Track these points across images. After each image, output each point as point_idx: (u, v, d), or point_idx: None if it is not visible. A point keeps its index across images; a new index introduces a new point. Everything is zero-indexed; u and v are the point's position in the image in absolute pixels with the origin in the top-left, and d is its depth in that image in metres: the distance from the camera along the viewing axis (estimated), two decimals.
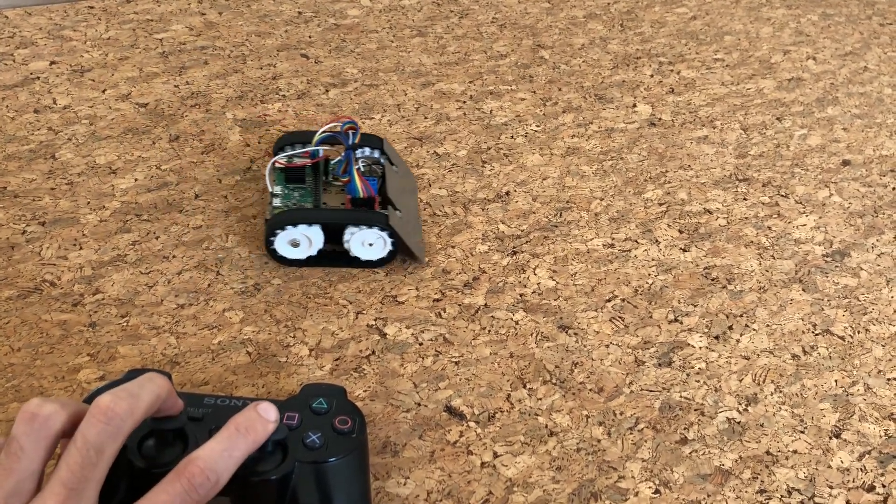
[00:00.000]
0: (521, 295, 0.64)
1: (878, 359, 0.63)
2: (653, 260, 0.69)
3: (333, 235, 0.62)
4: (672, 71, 0.93)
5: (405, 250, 0.64)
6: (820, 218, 0.76)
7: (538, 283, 0.66)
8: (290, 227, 0.61)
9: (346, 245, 0.62)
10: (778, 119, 0.88)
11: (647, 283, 0.67)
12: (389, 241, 0.63)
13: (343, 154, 0.66)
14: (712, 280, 0.68)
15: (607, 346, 0.62)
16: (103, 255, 0.61)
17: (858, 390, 0.61)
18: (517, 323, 0.62)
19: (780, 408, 0.59)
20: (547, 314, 0.63)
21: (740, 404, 0.59)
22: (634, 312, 0.64)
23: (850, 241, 0.74)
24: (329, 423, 0.45)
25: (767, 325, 0.65)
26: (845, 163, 0.84)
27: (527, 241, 0.69)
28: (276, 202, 0.64)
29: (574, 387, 0.58)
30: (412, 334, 0.60)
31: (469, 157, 0.77)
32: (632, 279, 0.67)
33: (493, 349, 0.60)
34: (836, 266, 0.71)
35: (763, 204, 0.77)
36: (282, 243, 0.62)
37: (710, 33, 1.02)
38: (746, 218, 0.75)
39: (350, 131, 0.66)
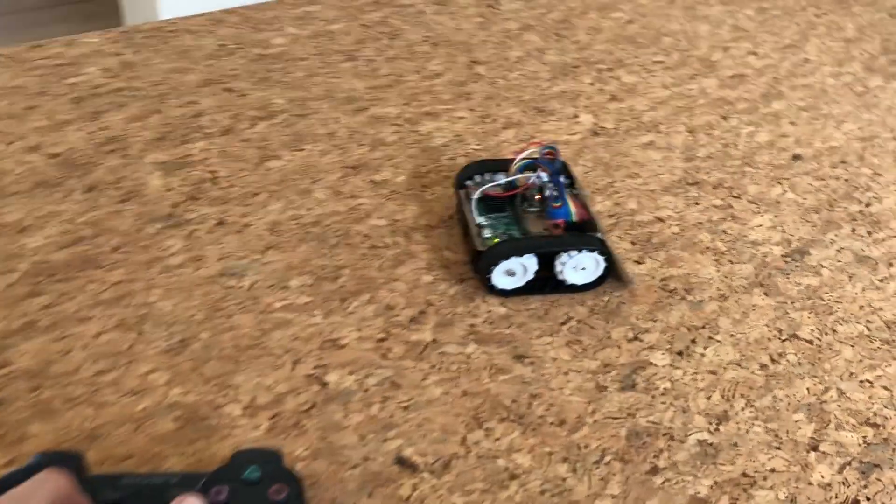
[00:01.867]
0: (471, 326, 0.61)
1: (849, 361, 0.60)
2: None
3: (546, 262, 0.62)
4: (612, 77, 0.91)
5: (614, 273, 0.64)
6: (775, 217, 0.74)
7: (489, 312, 0.62)
8: (511, 258, 0.61)
9: (558, 270, 0.62)
10: (724, 118, 0.86)
11: (602, 300, 0.64)
12: (603, 264, 0.62)
13: (548, 178, 0.65)
14: (670, 292, 0.65)
15: (566, 373, 0.58)
16: (11, 323, 0.56)
17: (832, 396, 0.58)
18: (469, 357, 0.58)
19: (752, 424, 0.55)
20: (500, 344, 0.59)
21: (711, 424, 0.55)
22: (592, 334, 0.61)
23: (809, 238, 0.71)
24: (262, 494, 0.41)
25: (731, 336, 0.62)
26: (796, 157, 0.81)
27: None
28: (487, 233, 0.63)
29: (534, 421, 0.54)
30: (356, 381, 0.56)
31: (409, 183, 0.73)
32: (587, 298, 0.64)
33: (444, 388, 0.56)
34: (797, 266, 0.68)
35: (716, 207, 0.74)
36: (499, 274, 0.62)
37: (648, 36, 0.99)
38: (700, 223, 0.72)
39: (549, 156, 0.66)
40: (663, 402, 0.56)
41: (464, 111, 0.83)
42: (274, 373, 0.55)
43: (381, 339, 0.59)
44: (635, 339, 0.61)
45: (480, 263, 0.62)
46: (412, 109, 0.82)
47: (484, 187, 0.66)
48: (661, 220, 0.72)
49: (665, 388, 0.57)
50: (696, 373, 0.59)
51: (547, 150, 0.65)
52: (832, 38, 1.03)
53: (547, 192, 0.64)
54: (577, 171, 0.76)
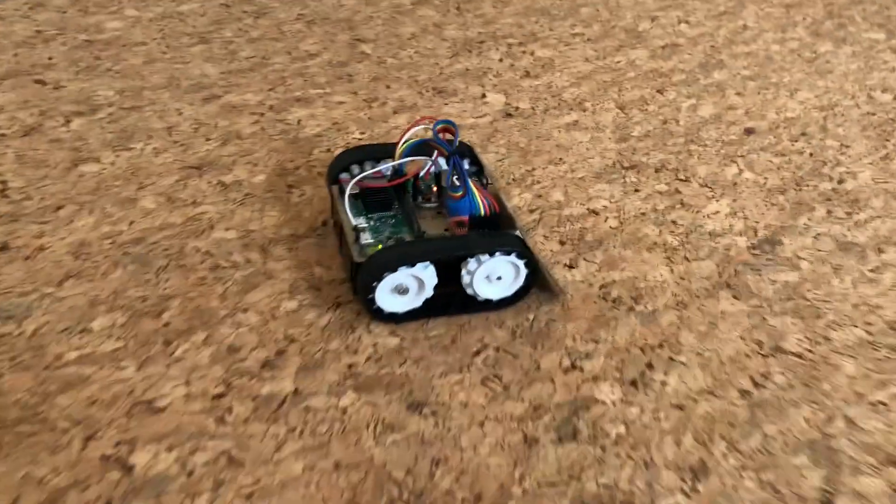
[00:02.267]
0: (349, 367, 0.44)
1: (852, 377, 0.46)
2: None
3: (449, 272, 0.46)
4: (524, 52, 0.76)
5: (540, 281, 0.49)
6: (734, 201, 0.59)
7: (374, 345, 0.45)
8: (400, 269, 0.45)
9: (465, 282, 0.47)
10: (659, 91, 0.72)
11: (526, 319, 0.48)
12: (524, 270, 0.47)
13: (445, 163, 0.49)
14: (614, 302, 0.49)
15: (481, 423, 0.42)
16: None
17: (839, 428, 0.43)
18: (345, 412, 0.41)
19: (741, 475, 0.40)
20: (390, 389, 0.43)
21: (686, 481, 0.39)
22: (515, 365, 0.45)
23: (777, 224, 0.57)
24: None
25: (698, 354, 0.46)
26: (748, 131, 0.67)
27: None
28: (366, 238, 0.47)
29: (438, 500, 0.38)
30: (177, 460, 0.38)
31: (269, 183, 0.56)
32: (505, 317, 0.48)
33: (308, 461, 0.39)
34: (769, 259, 0.54)
35: (661, 193, 0.59)
36: (385, 293, 0.46)
37: (564, 7, 0.85)
38: (643, 214, 0.57)
39: (447, 134, 0.49)
40: (617, 456, 0.41)
41: (344, 95, 0.66)
42: (52, 457, 0.38)
43: (219, 396, 0.42)
44: (573, 367, 0.45)
45: (359, 279, 0.45)
46: (277, 96, 0.66)
47: (360, 176, 0.49)
48: (594, 212, 0.57)
49: (618, 435, 0.41)
50: (656, 409, 0.43)
51: (441, 124, 0.49)
52: (770, 3, 0.90)
53: (445, 182, 0.48)
54: (487, 159, 0.60)
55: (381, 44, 0.74)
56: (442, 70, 0.72)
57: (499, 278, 0.47)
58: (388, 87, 0.68)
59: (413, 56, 0.73)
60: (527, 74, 0.72)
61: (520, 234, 0.48)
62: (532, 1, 0.85)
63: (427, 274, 0.45)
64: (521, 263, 0.46)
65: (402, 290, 0.45)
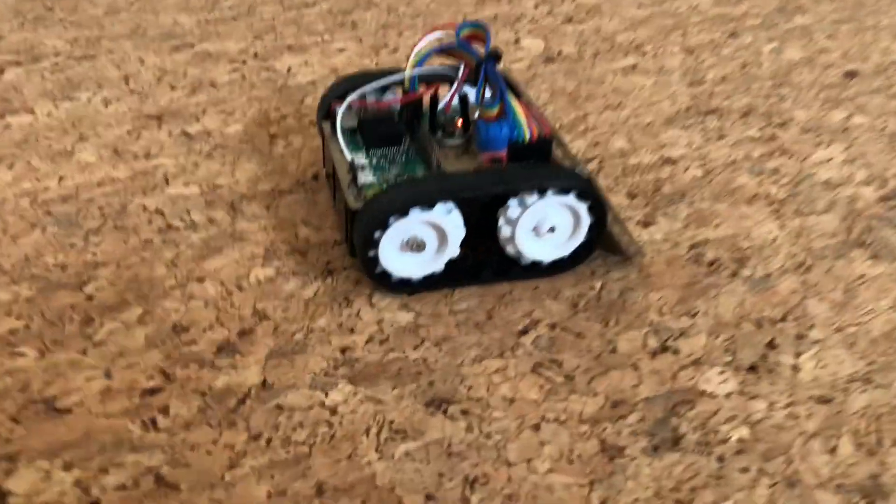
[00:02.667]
0: (343, 351, 0.31)
1: None
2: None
3: (480, 223, 0.33)
4: (564, 0, 0.63)
5: (607, 238, 0.35)
6: (848, 148, 0.45)
7: (380, 321, 0.32)
8: (413, 213, 0.31)
9: (504, 236, 0.33)
10: (732, 35, 0.58)
11: (590, 288, 0.34)
12: (588, 219, 0.34)
13: (475, 77, 0.35)
14: (710, 266, 0.36)
15: (536, 426, 0.28)
16: None
17: None
18: (335, 411, 0.28)
19: None
20: (401, 380, 0.29)
21: None
22: (578, 347, 0.31)
23: None
24: None
25: (838, 329, 0.33)
26: (850, 74, 0.54)
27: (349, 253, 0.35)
28: (366, 177, 0.34)
29: None
30: (77, 482, 0.25)
31: (247, 133, 0.44)
32: (562, 286, 0.34)
33: (276, 483, 0.26)
34: None
35: (753, 140, 0.46)
36: (391, 249, 0.32)
37: None
38: (733, 162, 0.43)
39: (475, 39, 0.36)
40: (743, 470, 0.27)
41: (346, 42, 0.54)
42: None
43: (151, 391, 0.28)
44: (664, 349, 0.31)
45: (357, 230, 0.32)
46: (264, 43, 0.53)
47: (358, 92, 0.36)
48: (670, 161, 0.43)
49: (741, 441, 0.28)
50: (792, 404, 0.29)
51: (469, 28, 0.36)
52: None
53: (474, 101, 0.35)
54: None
55: None
56: (466, 16, 0.59)
57: (551, 230, 0.33)
58: (399, 34, 0.56)
59: (430, 5, 0.61)
60: (569, 20, 0.59)
61: (583, 170, 0.35)
62: None
63: (450, 222, 0.32)
64: (583, 208, 0.33)
65: (415, 246, 0.32)
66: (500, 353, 0.31)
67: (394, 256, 0.32)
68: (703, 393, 0.30)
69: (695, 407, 0.29)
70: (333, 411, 0.28)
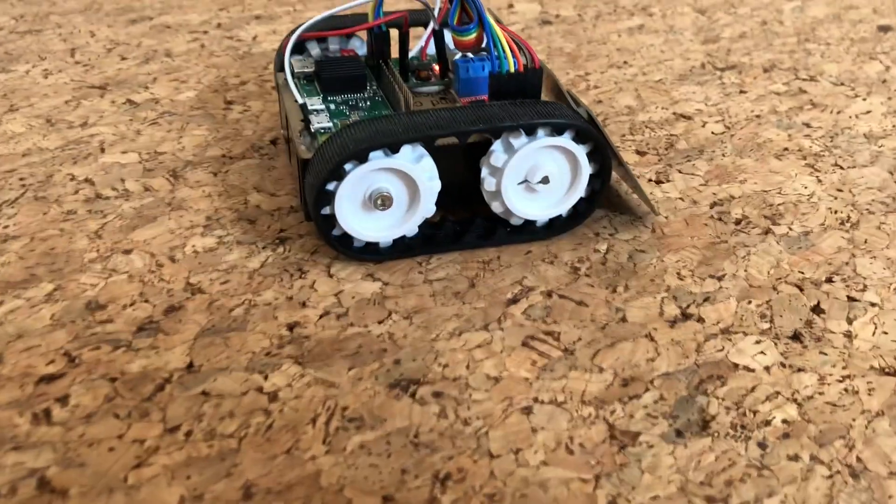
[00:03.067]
0: (291, 327, 0.25)
1: None
2: (599, 208, 0.30)
3: (459, 175, 0.28)
4: None
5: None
6: (890, 99, 0.40)
7: (338, 293, 0.26)
8: (374, 158, 0.26)
9: (487, 189, 0.28)
10: None
11: (594, 251, 0.28)
12: (589, 165, 0.28)
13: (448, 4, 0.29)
14: (737, 224, 0.30)
15: (527, 409, 0.22)
16: None
17: None
18: (275, 397, 0.22)
19: None
20: (359, 359, 0.24)
21: None
22: (580, 316, 0.25)
23: None
24: None
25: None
26: (884, 29, 0.48)
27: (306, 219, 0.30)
28: (321, 121, 0.29)
29: None
30: None
31: (200, 99, 0.38)
32: (559, 249, 0.28)
33: (192, 485, 0.20)
34: None
35: (778, 94, 0.40)
36: (351, 205, 0.27)
37: None
38: (758, 116, 0.38)
39: None
40: (793, 458, 0.21)
41: (319, 9, 0.49)
42: None
43: (50, 378, 0.23)
44: (685, 316, 0.26)
45: (307, 183, 0.27)
46: (230, 14, 0.49)
47: (308, 23, 0.31)
48: (685, 117, 0.38)
49: (788, 423, 0.22)
50: (848, 377, 0.23)
51: None
52: None
53: (449, 23, 0.30)
54: None
55: None
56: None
57: (544, 181, 0.28)
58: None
59: None
60: None
61: (584, 108, 0.29)
62: None
63: (421, 170, 0.26)
64: (582, 153, 0.27)
65: (380, 201, 0.26)
66: (485, 325, 0.25)
67: (354, 215, 0.27)
68: (736, 366, 0.24)
69: (726, 383, 0.23)
70: (273, 397, 0.23)
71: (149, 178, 0.32)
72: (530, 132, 0.27)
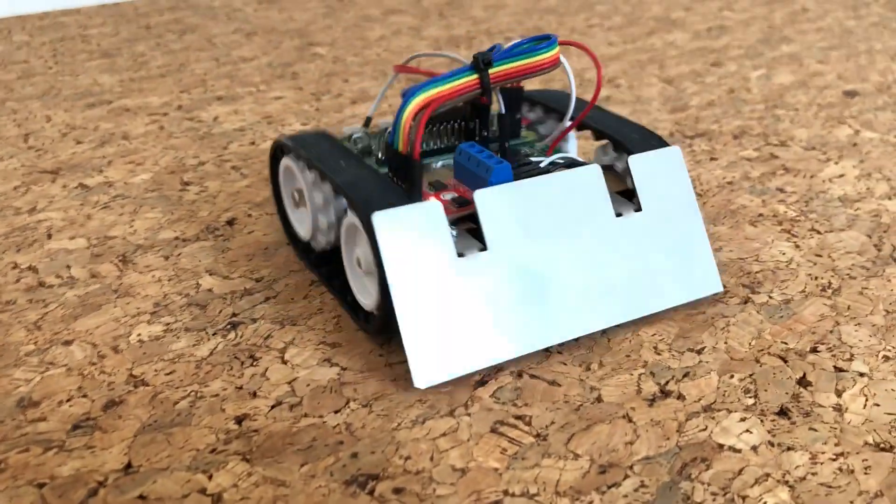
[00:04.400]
0: (239, 420, 0.23)
1: None
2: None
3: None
4: None
5: None
6: (862, 162, 0.39)
7: (292, 381, 0.24)
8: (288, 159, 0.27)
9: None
10: (714, 65, 0.53)
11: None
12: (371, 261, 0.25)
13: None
14: (715, 295, 0.29)
15: (497, 503, 0.20)
16: None
17: None
18: (220, 499, 0.20)
19: None
20: (314, 454, 0.22)
21: None
22: (552, 397, 0.24)
23: None
24: None
25: (885, 358, 0.25)
26: (850, 94, 0.48)
27: (261, 302, 0.28)
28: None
29: None
30: None
31: (156, 181, 0.37)
32: None
33: None
34: None
35: (750, 160, 0.39)
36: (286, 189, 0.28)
37: (572, 6, 0.68)
38: (730, 182, 0.37)
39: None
40: None
41: (285, 90, 0.48)
42: None
43: None
44: (664, 394, 0.24)
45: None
46: (191, 96, 0.48)
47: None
48: None
49: None
50: (842, 454, 0.22)
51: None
52: None
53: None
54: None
55: (339, 46, 0.57)
56: (419, 63, 0.54)
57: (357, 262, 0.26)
58: (345, 80, 0.50)
59: (382, 53, 0.55)
60: None
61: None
62: (533, 3, 0.69)
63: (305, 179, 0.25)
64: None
65: (295, 197, 0.25)
66: (450, 410, 0.23)
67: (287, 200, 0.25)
68: (721, 447, 0.22)
69: (711, 465, 0.21)
70: (217, 499, 0.20)
71: (96, 264, 0.31)
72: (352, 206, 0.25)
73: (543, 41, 0.28)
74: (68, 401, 0.24)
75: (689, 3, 0.69)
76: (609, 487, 0.21)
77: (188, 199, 0.35)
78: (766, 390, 0.24)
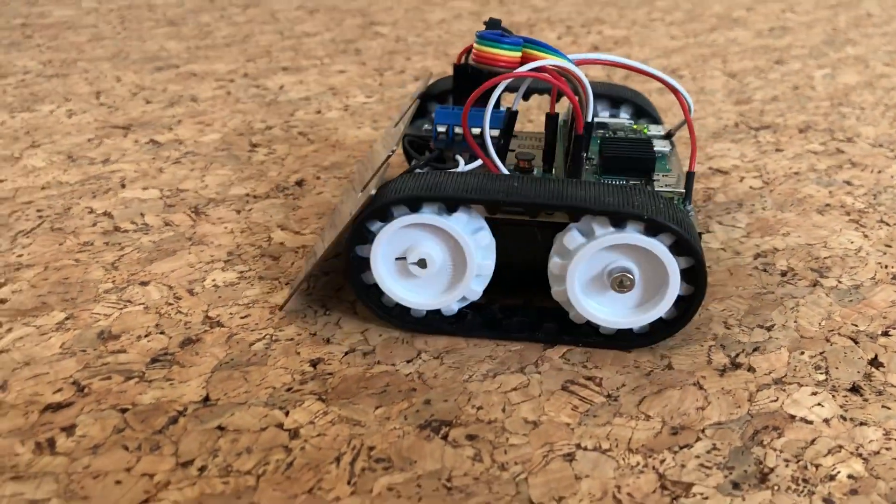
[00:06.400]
0: (314, 364, 0.23)
1: None
2: None
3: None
4: (590, 32, 0.58)
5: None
6: None
7: (364, 331, 0.25)
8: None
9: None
10: (777, 63, 0.53)
11: None
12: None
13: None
14: (783, 275, 0.29)
15: (569, 455, 0.20)
16: None
17: None
18: (297, 434, 0.21)
19: None
20: (387, 398, 0.22)
21: None
22: (622, 362, 0.24)
23: None
24: None
25: None
26: None
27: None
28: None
29: None
30: None
31: (225, 141, 0.38)
32: None
33: None
34: None
35: (815, 153, 0.39)
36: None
37: (633, 0, 0.68)
38: (797, 173, 0.37)
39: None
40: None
41: (348, 65, 0.49)
42: None
43: (56, 407, 0.21)
44: (735, 365, 0.24)
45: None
46: (257, 65, 0.48)
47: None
48: (722, 171, 0.37)
49: (854, 478, 0.20)
50: None
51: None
52: None
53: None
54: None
55: (401, 26, 0.58)
56: None
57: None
58: (407, 59, 0.50)
59: (443, 35, 0.56)
60: (595, 49, 0.54)
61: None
62: None
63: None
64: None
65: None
66: (521, 367, 0.24)
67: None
68: (792, 417, 0.22)
69: (783, 434, 0.21)
70: (294, 434, 0.21)
71: (169, 214, 0.31)
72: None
73: (510, 40, 0.26)
74: (146, 336, 0.24)
75: (750, 3, 0.68)
76: (681, 448, 0.21)
77: (257, 160, 0.36)
78: (836, 368, 0.24)
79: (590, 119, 0.26)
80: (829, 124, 0.43)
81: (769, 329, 0.26)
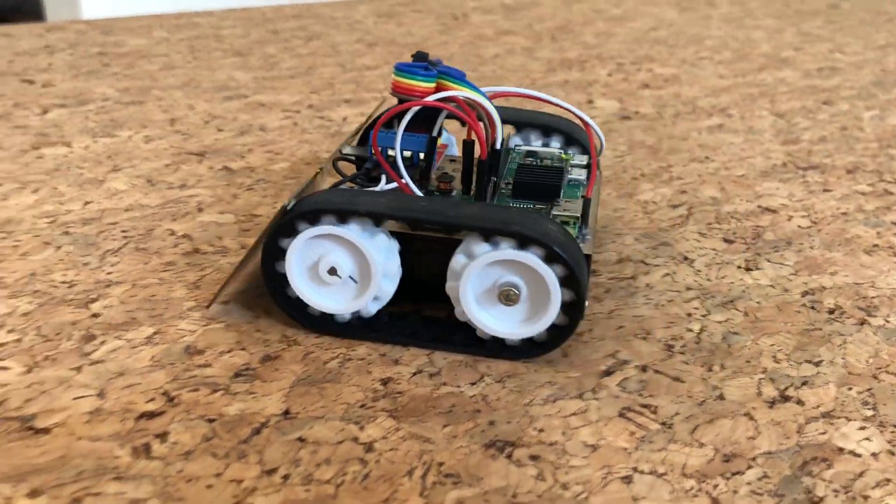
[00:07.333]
0: (384, 382, 0.25)
1: None
2: (691, 289, 0.31)
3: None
4: (640, 70, 0.60)
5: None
6: None
7: (431, 352, 0.26)
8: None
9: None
10: (825, 103, 0.54)
11: (687, 330, 0.28)
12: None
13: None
14: (831, 313, 0.30)
15: (627, 478, 0.22)
16: None
17: None
18: (371, 448, 0.22)
19: None
20: (453, 418, 0.24)
21: None
22: (677, 392, 0.25)
23: None
24: None
25: None
26: None
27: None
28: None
29: None
30: None
31: (294, 170, 0.40)
32: (652, 325, 0.28)
33: None
34: None
35: (863, 194, 0.40)
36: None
37: (682, 39, 0.70)
38: (844, 213, 0.38)
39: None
40: None
41: None
42: None
43: (149, 415, 0.23)
44: (784, 398, 0.25)
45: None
46: (320, 97, 0.51)
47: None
48: (771, 210, 0.38)
49: None
50: None
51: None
52: None
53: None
54: (605, 154, 0.43)
55: (456, 61, 0.60)
56: (534, 81, 0.56)
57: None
58: None
59: (497, 70, 0.58)
60: (645, 86, 0.56)
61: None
62: (643, 34, 0.70)
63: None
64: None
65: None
66: (579, 394, 0.25)
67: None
68: (841, 450, 0.23)
69: (832, 466, 0.22)
70: (369, 448, 0.22)
71: (245, 238, 0.33)
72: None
73: (427, 71, 0.28)
74: (229, 352, 0.26)
75: (798, 44, 0.70)
76: (733, 474, 0.22)
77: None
78: (885, 404, 0.25)
79: (498, 146, 0.28)
80: (878, 165, 0.44)
81: (817, 364, 0.27)
